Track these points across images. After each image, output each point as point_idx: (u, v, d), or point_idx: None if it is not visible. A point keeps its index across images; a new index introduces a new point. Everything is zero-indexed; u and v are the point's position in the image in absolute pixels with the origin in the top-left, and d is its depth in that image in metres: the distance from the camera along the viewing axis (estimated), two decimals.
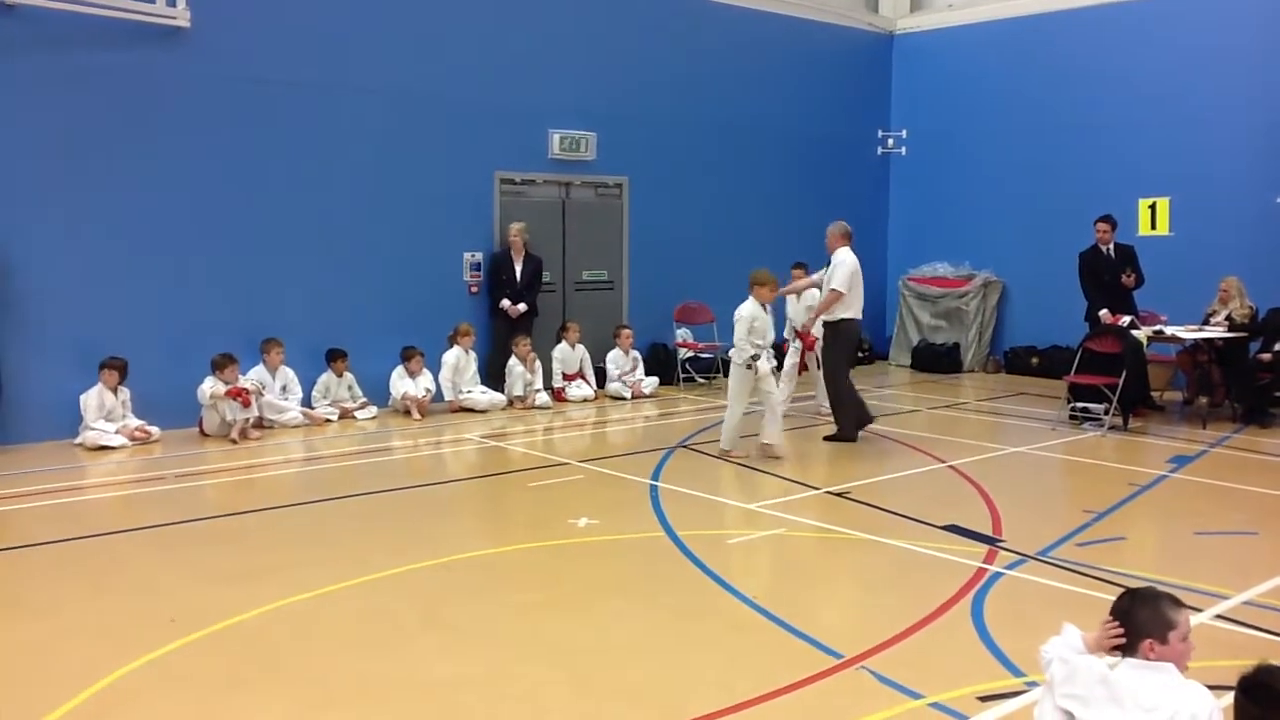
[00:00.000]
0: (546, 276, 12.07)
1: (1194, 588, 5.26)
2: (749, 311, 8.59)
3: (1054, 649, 3.00)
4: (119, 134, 9.34)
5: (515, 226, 11.42)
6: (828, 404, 9.83)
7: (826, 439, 9.36)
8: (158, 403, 9.40)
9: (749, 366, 8.49)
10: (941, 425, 10.37)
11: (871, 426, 9.47)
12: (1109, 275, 10.55)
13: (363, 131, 10.69)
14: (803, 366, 10.81)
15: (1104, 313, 10.42)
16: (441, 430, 10.00)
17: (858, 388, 9.64)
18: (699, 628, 4.91)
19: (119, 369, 9.11)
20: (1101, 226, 10.65)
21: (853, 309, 9.27)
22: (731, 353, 8.71)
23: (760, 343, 8.55)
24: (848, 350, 9.57)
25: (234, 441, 9.21)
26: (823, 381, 9.95)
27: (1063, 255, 11.38)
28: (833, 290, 9.22)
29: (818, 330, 9.69)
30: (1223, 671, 3.52)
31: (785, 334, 11.01)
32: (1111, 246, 10.64)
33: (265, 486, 7.97)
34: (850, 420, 9.32)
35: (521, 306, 11.41)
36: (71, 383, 9.01)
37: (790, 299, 10.91)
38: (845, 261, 9.25)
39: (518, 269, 11.42)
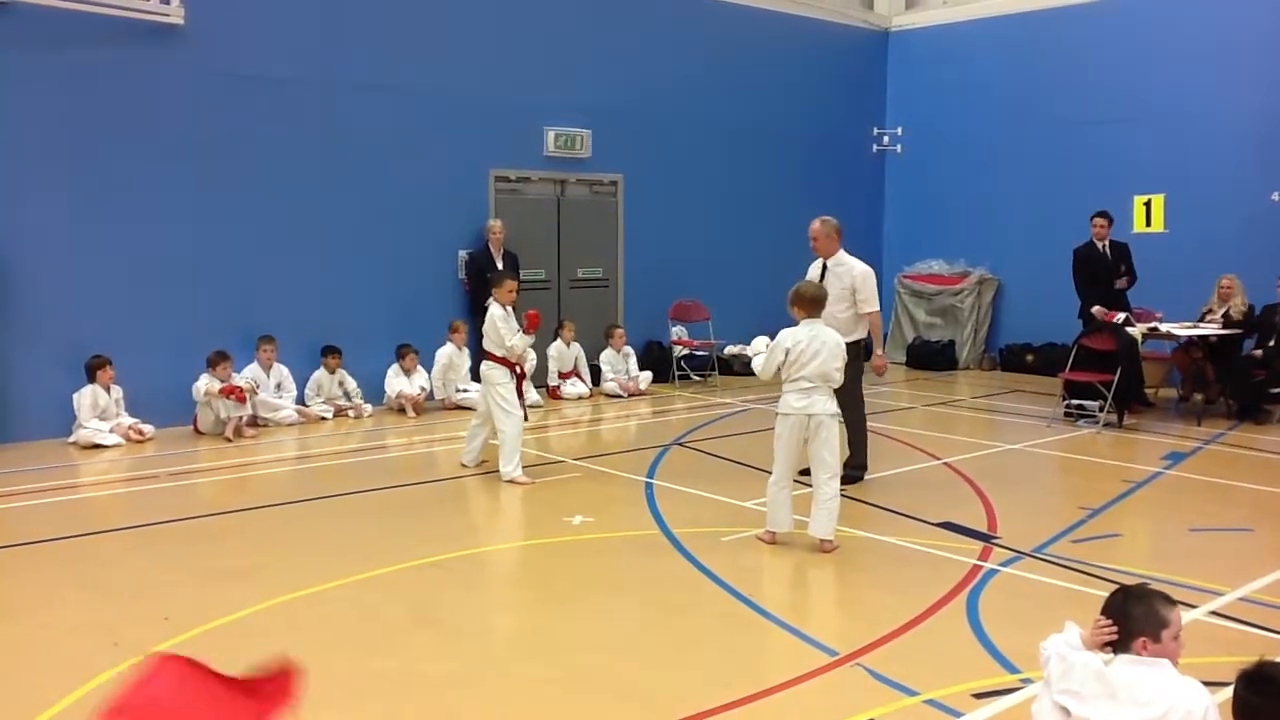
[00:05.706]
0: (542, 274, 12.09)
1: (1188, 584, 5.27)
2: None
3: (1052, 645, 3.01)
4: (113, 132, 9.30)
5: (495, 224, 11.37)
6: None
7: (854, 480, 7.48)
8: (152, 401, 9.37)
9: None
10: (937, 422, 10.38)
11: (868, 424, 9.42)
12: (1104, 272, 10.58)
13: (357, 129, 10.66)
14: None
15: (1097, 309, 10.43)
16: (436, 428, 9.98)
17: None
18: (694, 625, 4.91)
19: (103, 366, 9.04)
20: (1098, 222, 10.69)
21: None
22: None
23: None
24: None
25: (228, 439, 9.19)
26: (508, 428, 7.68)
27: (1058, 252, 11.39)
28: (875, 310, 7.49)
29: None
30: (1218, 667, 3.53)
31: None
32: (1107, 243, 10.68)
33: (259, 484, 7.95)
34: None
35: None
36: (66, 381, 8.98)
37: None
38: (870, 272, 7.52)
39: (500, 266, 11.36)
